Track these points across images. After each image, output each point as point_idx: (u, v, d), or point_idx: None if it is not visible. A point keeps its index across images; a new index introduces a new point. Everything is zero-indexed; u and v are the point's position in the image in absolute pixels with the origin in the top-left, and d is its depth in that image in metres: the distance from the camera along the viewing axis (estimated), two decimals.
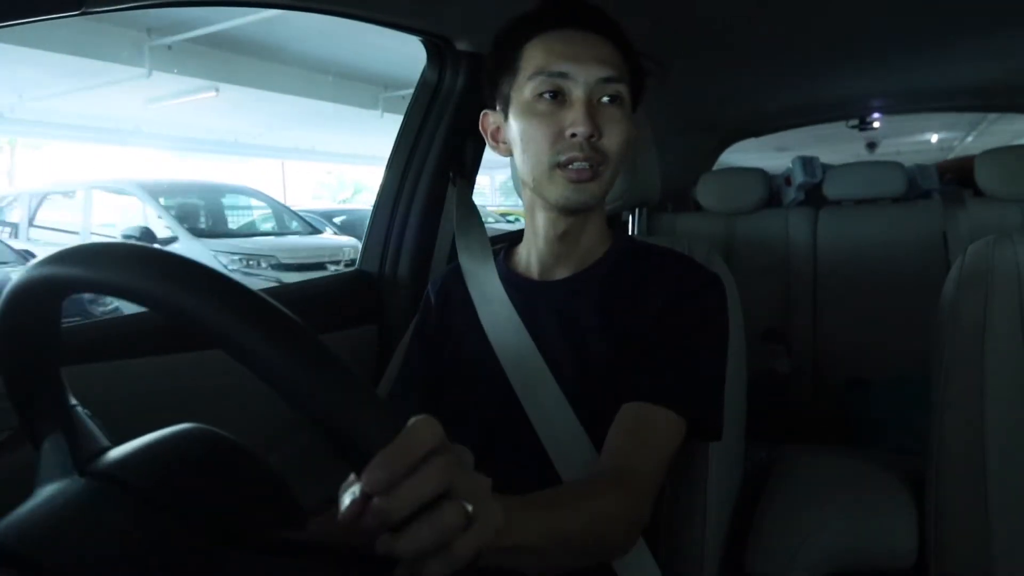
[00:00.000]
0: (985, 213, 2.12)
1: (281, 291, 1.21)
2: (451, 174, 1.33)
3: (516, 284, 0.89)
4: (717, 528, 0.94)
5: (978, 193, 2.17)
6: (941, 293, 1.03)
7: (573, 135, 0.76)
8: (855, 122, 2.89)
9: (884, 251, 2.23)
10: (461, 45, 1.28)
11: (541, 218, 0.86)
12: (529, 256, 0.90)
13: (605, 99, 0.78)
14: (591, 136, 0.76)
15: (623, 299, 0.83)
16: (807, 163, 2.55)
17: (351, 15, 1.12)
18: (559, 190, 0.80)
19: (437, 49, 1.30)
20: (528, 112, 0.80)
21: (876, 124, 2.90)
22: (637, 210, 2.11)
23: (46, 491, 0.39)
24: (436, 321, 0.94)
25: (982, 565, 0.92)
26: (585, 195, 0.79)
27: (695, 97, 2.11)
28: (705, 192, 2.48)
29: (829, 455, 1.44)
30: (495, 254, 0.94)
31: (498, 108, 0.85)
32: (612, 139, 0.78)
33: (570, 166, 0.78)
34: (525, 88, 0.80)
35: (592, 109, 0.77)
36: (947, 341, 0.98)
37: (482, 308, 0.88)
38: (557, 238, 0.85)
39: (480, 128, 0.89)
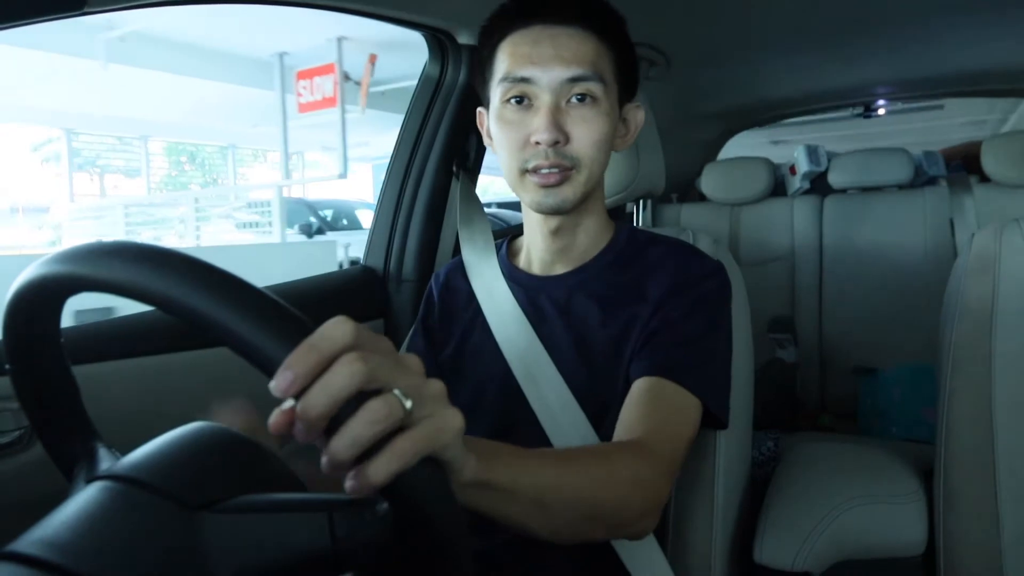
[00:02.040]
0: (992, 199, 2.11)
1: (288, 287, 1.21)
2: (455, 168, 1.33)
3: (517, 278, 0.89)
4: (726, 518, 0.94)
5: (985, 179, 2.15)
6: (949, 280, 1.02)
7: (537, 142, 0.75)
8: (859, 110, 2.87)
9: (891, 239, 2.22)
10: (463, 38, 1.27)
11: (532, 216, 0.86)
12: (529, 252, 0.90)
13: (574, 99, 0.76)
14: (556, 142, 0.75)
15: (624, 292, 0.83)
16: (812, 152, 2.53)
17: (350, 10, 1.12)
18: (530, 195, 0.80)
19: (439, 43, 1.30)
20: (498, 118, 0.80)
21: (880, 111, 2.88)
22: (642, 201, 2.10)
23: (70, 500, 0.39)
24: (439, 315, 0.94)
25: (991, 553, 0.91)
26: (557, 199, 0.78)
27: (698, 87, 2.10)
28: (710, 182, 2.47)
29: (837, 444, 1.44)
30: (497, 247, 0.94)
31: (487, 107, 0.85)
32: (581, 142, 0.77)
33: (538, 172, 0.77)
34: (496, 93, 0.80)
35: (558, 113, 0.76)
36: (955, 328, 0.97)
37: (485, 302, 0.88)
38: (551, 235, 0.85)
39: (478, 124, 0.89)
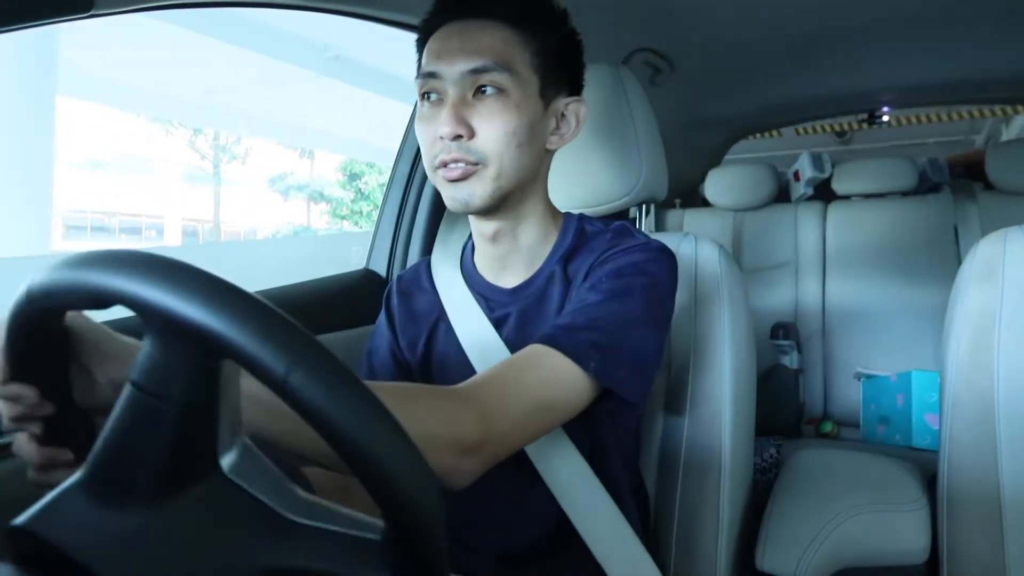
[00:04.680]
0: (996, 206, 2.11)
1: (289, 291, 1.21)
2: None
3: (475, 282, 0.87)
4: (731, 524, 0.94)
5: (989, 186, 2.15)
6: (953, 287, 1.02)
7: (442, 137, 0.74)
8: (863, 116, 2.86)
9: (894, 246, 2.21)
10: None
11: (472, 221, 0.84)
12: (479, 257, 0.88)
13: (483, 92, 0.74)
14: (459, 136, 0.73)
15: (568, 288, 0.81)
16: (816, 158, 2.53)
17: (360, 15, 1.12)
18: (443, 191, 0.78)
19: None
20: (417, 116, 0.79)
21: (885, 118, 2.87)
22: (644, 206, 2.10)
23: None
24: (402, 317, 0.91)
25: (995, 562, 0.91)
26: (464, 194, 0.76)
27: (702, 92, 2.11)
28: (713, 188, 2.47)
29: (839, 451, 1.43)
30: (464, 246, 0.92)
31: None
32: (487, 136, 0.74)
33: (446, 166, 0.75)
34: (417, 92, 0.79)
35: (462, 107, 0.74)
36: (959, 335, 0.97)
37: (449, 307, 0.87)
38: (491, 241, 0.83)
39: None
